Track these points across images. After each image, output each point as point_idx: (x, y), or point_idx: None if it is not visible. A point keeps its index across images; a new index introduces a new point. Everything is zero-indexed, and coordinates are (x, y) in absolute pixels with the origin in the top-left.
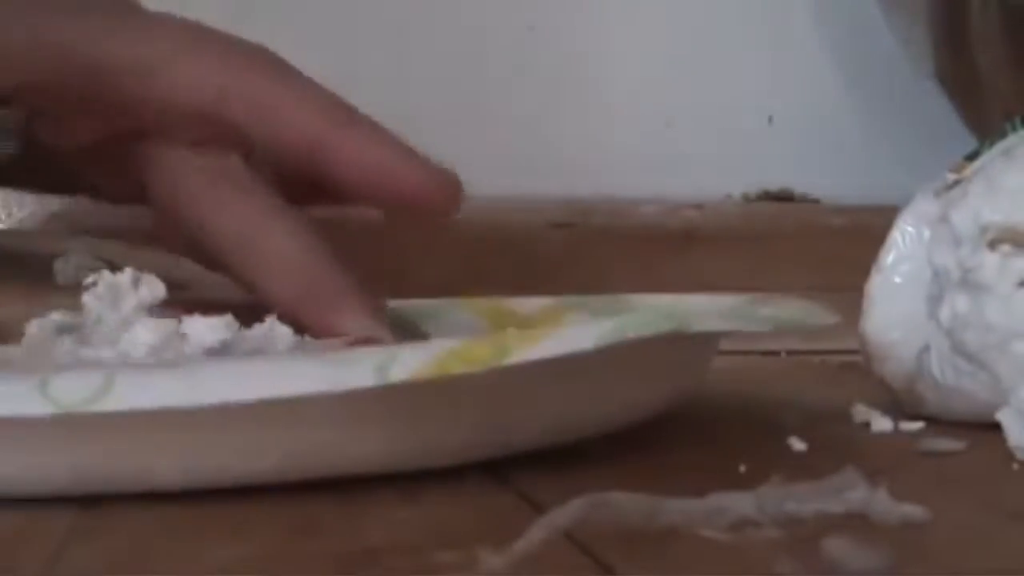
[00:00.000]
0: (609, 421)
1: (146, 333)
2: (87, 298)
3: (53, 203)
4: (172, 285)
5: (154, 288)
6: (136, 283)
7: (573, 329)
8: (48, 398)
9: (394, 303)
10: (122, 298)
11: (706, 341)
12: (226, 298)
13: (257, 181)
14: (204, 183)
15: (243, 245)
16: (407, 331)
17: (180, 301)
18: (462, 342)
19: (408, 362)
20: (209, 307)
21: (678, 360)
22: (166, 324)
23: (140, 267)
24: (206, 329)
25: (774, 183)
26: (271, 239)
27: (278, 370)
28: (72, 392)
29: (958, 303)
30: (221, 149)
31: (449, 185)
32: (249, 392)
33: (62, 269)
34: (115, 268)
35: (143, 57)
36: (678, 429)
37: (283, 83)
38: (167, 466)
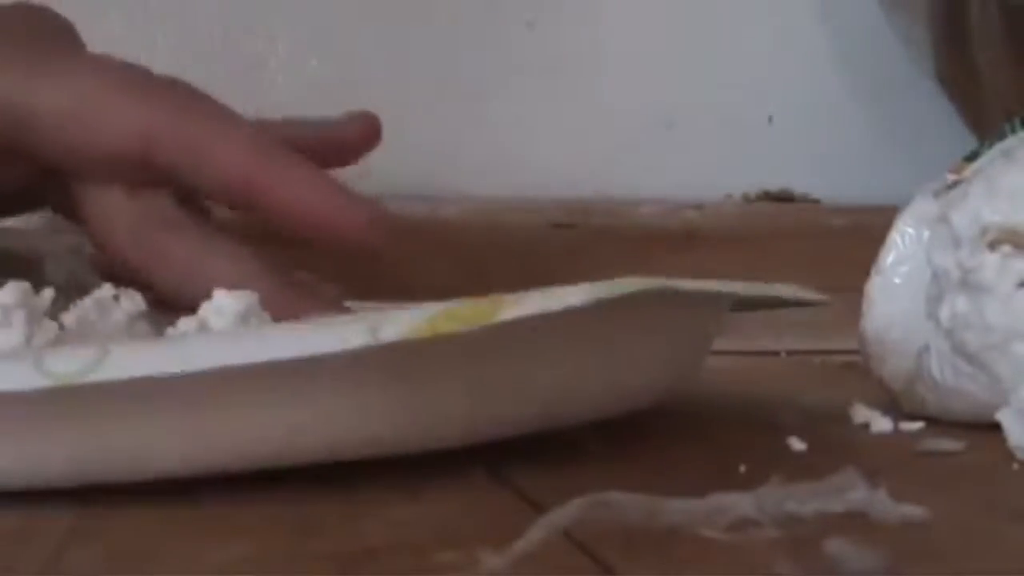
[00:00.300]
0: (607, 398)
1: (232, 301)
2: (68, 318)
3: None
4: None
5: (135, 300)
6: (116, 298)
7: (566, 288)
8: (44, 373)
9: (392, 305)
10: (109, 313)
11: (702, 324)
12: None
13: (190, 216)
14: (139, 229)
15: (187, 285)
16: None
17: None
18: (453, 304)
19: (400, 323)
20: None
21: (674, 339)
22: (247, 294)
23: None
24: (228, 300)
25: (774, 183)
26: (214, 273)
27: (272, 337)
28: (67, 365)
29: (958, 304)
30: (151, 188)
31: (376, 222)
32: (244, 357)
33: (54, 269)
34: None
35: (66, 104)
36: (678, 429)
37: (210, 122)
38: (166, 450)
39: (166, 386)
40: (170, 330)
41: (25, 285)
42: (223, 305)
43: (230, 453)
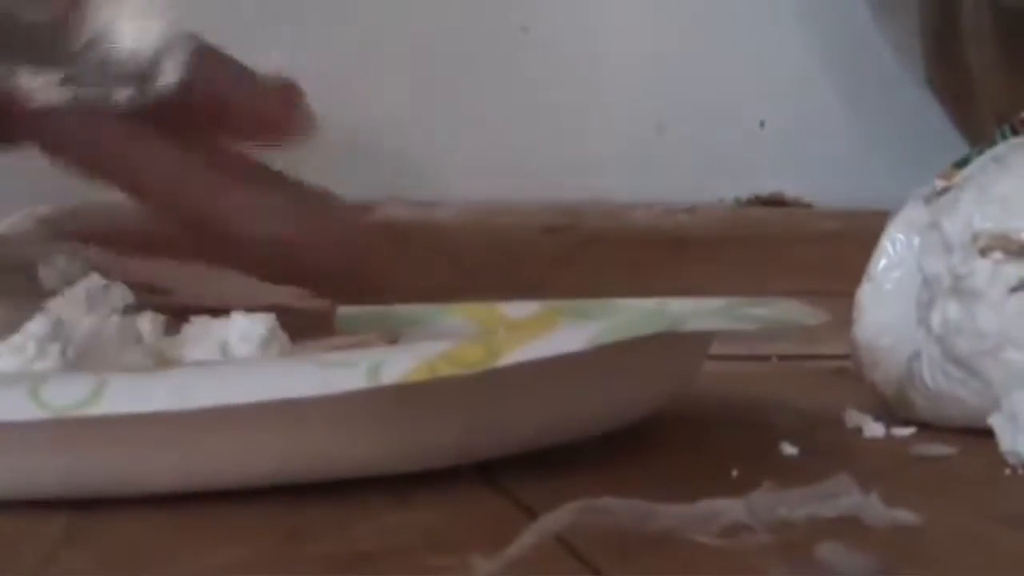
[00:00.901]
0: (600, 422)
1: (253, 325)
2: (57, 304)
3: (39, 208)
4: (153, 290)
5: (124, 293)
6: (106, 288)
7: (563, 330)
8: (40, 403)
9: (386, 308)
10: (98, 303)
11: (697, 342)
12: (204, 303)
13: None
14: (122, 142)
15: (115, 175)
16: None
17: (160, 305)
18: (452, 344)
19: (399, 365)
20: (187, 312)
21: (669, 361)
22: (266, 317)
23: (121, 270)
24: (250, 323)
25: (765, 187)
26: (139, 161)
27: (270, 374)
28: (64, 397)
29: (949, 310)
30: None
31: (292, 100)
32: (241, 396)
33: (47, 274)
34: (99, 273)
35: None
36: (670, 434)
37: None
38: (161, 471)
39: (160, 413)
40: (187, 352)
41: (56, 317)
42: (247, 330)
43: (221, 475)
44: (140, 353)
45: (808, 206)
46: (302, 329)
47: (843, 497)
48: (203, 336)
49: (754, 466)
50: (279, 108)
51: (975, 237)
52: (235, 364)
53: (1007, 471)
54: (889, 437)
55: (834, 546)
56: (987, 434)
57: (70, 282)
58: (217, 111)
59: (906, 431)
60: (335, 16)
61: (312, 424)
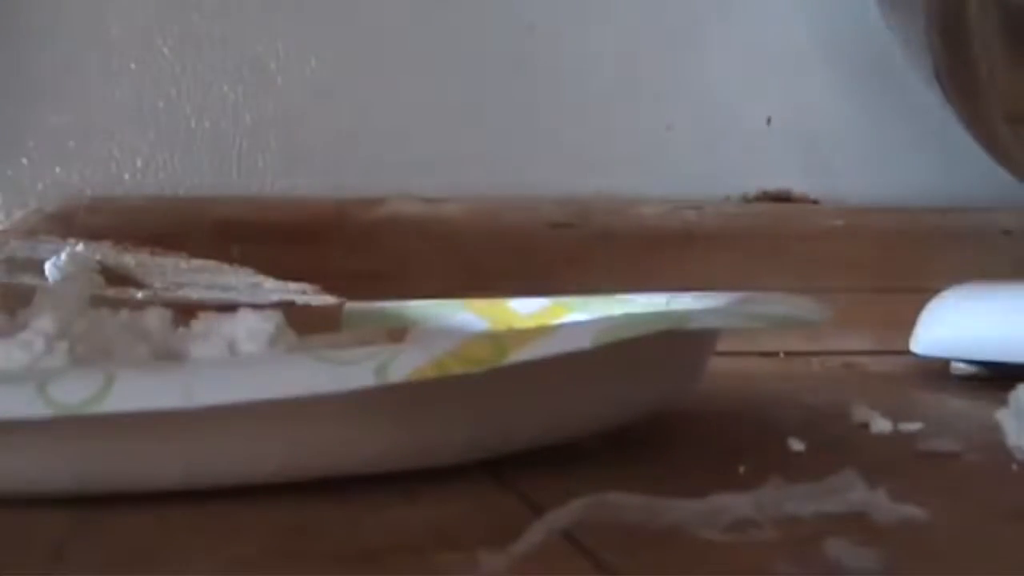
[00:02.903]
0: (607, 419)
1: (261, 322)
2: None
3: (47, 205)
4: (147, 287)
5: (95, 281)
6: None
7: (570, 327)
8: (47, 400)
9: (393, 304)
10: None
11: (703, 339)
12: (205, 300)
13: None
14: None
15: None
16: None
17: (164, 301)
18: (460, 342)
19: (407, 362)
20: (191, 308)
21: (676, 358)
22: (273, 313)
23: (128, 268)
24: (257, 320)
25: (772, 184)
26: None
27: (278, 371)
28: (71, 394)
29: None
30: None
31: None
32: (249, 394)
33: (52, 270)
34: (106, 269)
35: None
36: (677, 430)
37: None
38: (168, 468)
39: (167, 411)
40: (194, 349)
41: (63, 314)
42: (254, 327)
43: (229, 472)
44: (147, 349)
45: (815, 203)
46: (309, 326)
47: (850, 493)
48: (210, 332)
49: (761, 462)
50: None
51: None
52: (243, 361)
53: (1014, 467)
54: (896, 433)
55: (841, 542)
56: (994, 429)
57: (73, 279)
58: None
59: (913, 426)
60: (339, 13)
61: (320, 421)
